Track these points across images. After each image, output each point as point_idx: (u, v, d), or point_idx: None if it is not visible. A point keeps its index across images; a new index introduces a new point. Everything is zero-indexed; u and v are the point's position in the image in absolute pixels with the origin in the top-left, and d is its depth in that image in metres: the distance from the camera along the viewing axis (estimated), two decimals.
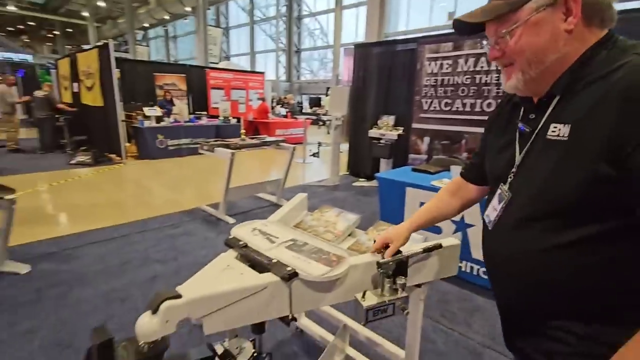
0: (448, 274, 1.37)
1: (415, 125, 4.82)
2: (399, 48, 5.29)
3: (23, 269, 2.50)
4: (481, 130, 4.05)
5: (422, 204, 2.81)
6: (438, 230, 2.70)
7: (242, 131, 4.07)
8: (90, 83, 6.88)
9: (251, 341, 1.23)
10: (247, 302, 1.01)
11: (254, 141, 3.88)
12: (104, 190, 4.83)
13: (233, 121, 8.36)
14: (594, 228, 0.64)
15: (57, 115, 7.28)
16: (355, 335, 1.67)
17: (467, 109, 4.28)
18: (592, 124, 0.62)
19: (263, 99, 10.38)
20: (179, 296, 0.91)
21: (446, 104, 4.46)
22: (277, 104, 13.03)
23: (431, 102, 4.59)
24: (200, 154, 7.44)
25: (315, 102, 17.61)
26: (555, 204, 0.67)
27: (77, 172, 5.72)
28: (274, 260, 1.09)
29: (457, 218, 2.61)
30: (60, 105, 7.48)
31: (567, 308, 0.70)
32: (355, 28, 18.30)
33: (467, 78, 4.23)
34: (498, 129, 0.89)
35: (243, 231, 1.35)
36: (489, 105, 4.11)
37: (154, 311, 0.88)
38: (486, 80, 4.09)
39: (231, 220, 3.65)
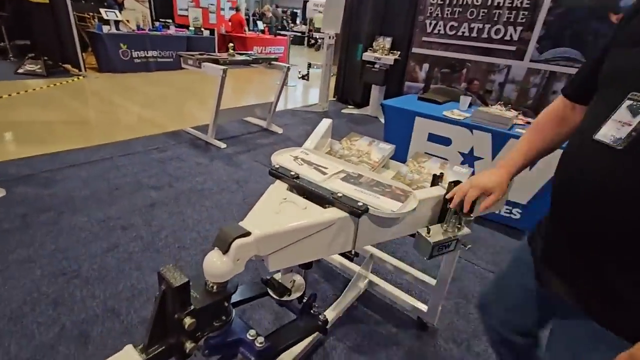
0: (496, 210, 1.36)
1: (415, 50, 4.50)
2: None
3: None
4: (484, 59, 3.86)
5: (430, 134, 2.74)
6: None
7: (231, 45, 3.57)
8: None
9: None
10: (314, 238, 0.92)
11: (245, 57, 3.46)
12: (68, 106, 4.26)
13: (206, 33, 7.43)
14: None
15: None
16: (382, 264, 1.69)
17: (474, 34, 4.01)
18: None
19: (237, 9, 9.18)
20: (248, 233, 0.80)
21: (451, 27, 4.14)
22: (255, 17, 11.56)
23: (436, 23, 4.24)
24: (171, 69, 6.74)
25: (291, 17, 16.04)
26: None
27: (28, 84, 4.96)
28: (339, 194, 0.98)
29: (465, 150, 2.59)
30: None
31: None
32: None
33: None
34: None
35: (285, 160, 1.20)
36: (497, 31, 3.86)
37: (225, 251, 0.76)
38: (498, 3, 3.77)
39: (222, 145, 3.42)
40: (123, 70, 6.09)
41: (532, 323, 0.95)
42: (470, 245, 1.07)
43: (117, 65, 6.04)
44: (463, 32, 4.08)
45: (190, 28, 7.33)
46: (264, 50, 8.67)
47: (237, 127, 4.06)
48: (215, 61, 3.16)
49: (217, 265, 0.78)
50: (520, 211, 2.49)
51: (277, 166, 1.12)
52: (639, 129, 0.61)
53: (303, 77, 5.02)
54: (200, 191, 2.57)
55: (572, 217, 0.70)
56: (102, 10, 5.80)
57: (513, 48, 3.83)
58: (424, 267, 2.01)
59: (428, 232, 1.03)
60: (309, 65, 5.05)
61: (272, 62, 3.71)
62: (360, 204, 0.94)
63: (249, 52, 3.97)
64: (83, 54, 5.74)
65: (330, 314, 1.52)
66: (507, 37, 3.83)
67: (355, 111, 5.34)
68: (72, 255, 1.80)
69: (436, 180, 1.16)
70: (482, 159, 2.53)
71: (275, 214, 0.92)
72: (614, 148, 0.63)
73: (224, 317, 0.82)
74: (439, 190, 1.11)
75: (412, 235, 1.10)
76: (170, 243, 1.98)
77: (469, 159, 2.59)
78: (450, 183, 1.07)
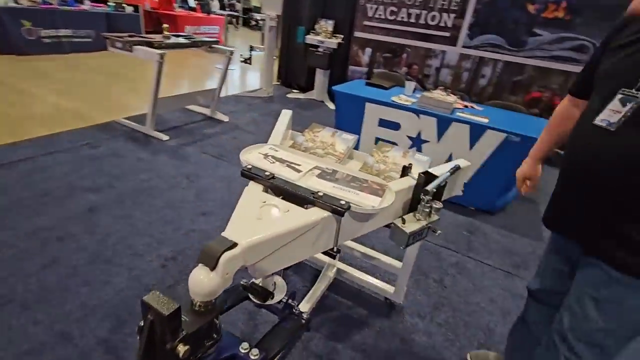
0: (456, 194, 1.46)
1: (357, 34, 4.54)
2: None
3: None
4: (423, 44, 4.05)
5: (381, 120, 2.83)
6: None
7: (166, 26, 3.23)
8: None
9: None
10: (298, 241, 0.91)
11: (183, 40, 3.18)
12: None
13: (128, 9, 6.65)
14: None
15: None
16: (349, 252, 1.74)
17: (412, 20, 4.16)
18: None
19: None
20: (234, 245, 0.76)
21: (391, 13, 4.25)
22: None
23: (377, 8, 4.31)
24: (90, 50, 5.97)
25: None
26: None
27: None
28: (319, 193, 0.97)
29: (413, 134, 2.73)
30: None
31: None
32: None
33: None
34: (634, 32, 0.88)
35: (255, 158, 1.15)
36: (433, 18, 4.06)
37: (214, 267, 0.72)
38: None
39: (164, 136, 3.15)
40: (29, 52, 5.23)
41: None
42: (440, 231, 1.13)
43: (20, 46, 5.16)
44: (402, 18, 4.21)
45: (109, 3, 6.50)
46: (197, 31, 8.06)
47: (179, 116, 3.76)
48: (149, 44, 2.85)
49: (205, 283, 0.73)
50: (463, 188, 2.71)
51: (250, 166, 1.07)
52: (627, 115, 0.82)
53: (245, 61, 4.78)
54: (147, 190, 2.36)
55: (580, 179, 0.93)
56: None
57: (447, 34, 4.07)
58: (385, 249, 2.12)
59: (403, 223, 1.08)
60: (251, 48, 4.83)
61: (214, 46, 3.47)
62: (342, 202, 0.94)
63: (186, 34, 3.66)
64: None
65: (305, 307, 1.53)
66: (442, 24, 4.05)
67: (300, 95, 5.28)
68: (3, 279, 1.55)
69: (406, 171, 1.21)
70: (429, 142, 2.69)
71: (258, 221, 0.88)
72: (608, 130, 0.85)
73: (215, 335, 0.78)
74: (409, 181, 1.15)
75: (387, 226, 1.14)
76: (120, 251, 1.80)
77: (417, 142, 2.73)
78: (420, 174, 1.12)
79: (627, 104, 0.82)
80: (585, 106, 1.06)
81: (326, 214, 0.94)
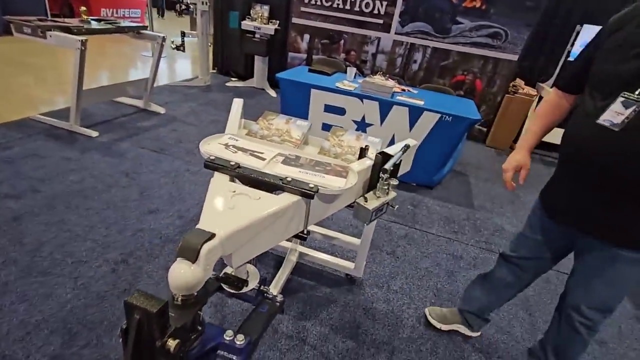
0: (405, 171, 1.58)
1: (295, 20, 4.51)
2: None
3: None
4: (359, 31, 4.24)
5: (326, 105, 2.89)
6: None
7: (83, 8, 2.86)
8: None
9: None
10: (272, 227, 0.93)
11: (105, 25, 2.86)
12: None
13: None
14: None
15: None
16: (311, 235, 1.79)
17: (347, 7, 4.25)
18: None
19: None
20: (213, 236, 0.76)
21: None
22: None
23: None
24: None
25: None
26: None
27: None
28: (288, 179, 0.99)
29: (358, 118, 2.84)
30: None
31: None
32: None
33: None
34: (630, 35, 0.92)
35: (216, 149, 1.13)
36: (367, 5, 4.19)
37: (195, 259, 0.71)
38: None
39: (93, 133, 2.85)
40: None
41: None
42: (397, 206, 1.24)
43: None
44: (338, 5, 4.28)
45: None
46: (115, 14, 7.26)
47: (106, 109, 3.41)
48: (67, 30, 2.53)
49: (187, 277, 0.72)
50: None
51: (213, 157, 1.05)
52: (630, 117, 0.88)
53: (177, 48, 4.45)
54: (81, 192, 2.14)
55: (583, 175, 1.01)
56: None
57: (381, 21, 4.24)
58: (340, 228, 2.22)
59: (365, 201, 1.15)
60: (183, 34, 4.51)
61: (142, 31, 3.18)
62: (311, 185, 0.98)
63: (107, 18, 3.30)
64: None
65: (273, 292, 1.56)
66: (376, 11, 4.20)
67: (240, 84, 5.11)
68: None
69: (364, 152, 1.28)
70: (373, 125, 2.83)
71: (231, 210, 0.89)
72: (612, 130, 0.91)
73: (199, 327, 0.77)
74: (367, 162, 1.23)
75: (349, 206, 1.21)
76: (59, 260, 1.64)
77: (361, 126, 2.86)
78: (377, 154, 1.20)
79: (630, 107, 0.88)
80: (572, 99, 1.17)
81: (296, 198, 0.97)
